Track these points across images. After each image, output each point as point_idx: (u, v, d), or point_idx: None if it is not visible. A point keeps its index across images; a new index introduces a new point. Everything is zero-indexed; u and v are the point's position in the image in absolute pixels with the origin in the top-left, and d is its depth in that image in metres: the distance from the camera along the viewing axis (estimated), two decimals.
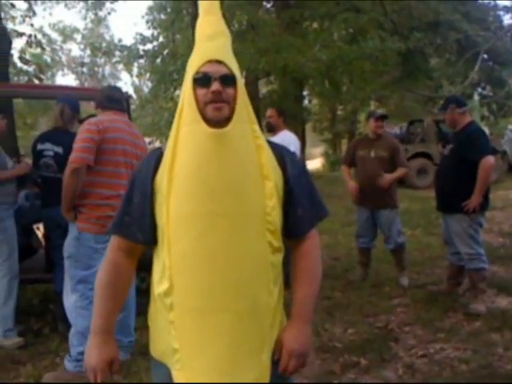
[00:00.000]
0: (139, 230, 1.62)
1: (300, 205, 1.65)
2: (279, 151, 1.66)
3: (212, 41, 1.58)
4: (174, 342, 1.54)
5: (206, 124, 1.49)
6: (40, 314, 4.32)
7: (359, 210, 5.42)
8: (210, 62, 1.53)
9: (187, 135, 1.51)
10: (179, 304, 1.53)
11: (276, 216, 1.58)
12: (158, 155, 1.61)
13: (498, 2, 31.39)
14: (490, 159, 4.25)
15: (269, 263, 1.58)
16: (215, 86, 1.50)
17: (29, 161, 4.09)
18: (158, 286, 1.57)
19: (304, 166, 1.69)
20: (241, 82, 1.58)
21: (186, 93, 1.55)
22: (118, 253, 1.68)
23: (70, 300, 3.36)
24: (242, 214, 1.52)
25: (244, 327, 1.52)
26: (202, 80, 1.52)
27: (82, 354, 3.16)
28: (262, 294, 1.56)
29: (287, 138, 4.89)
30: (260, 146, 1.59)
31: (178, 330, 1.53)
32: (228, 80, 1.53)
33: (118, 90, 3.78)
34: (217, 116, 1.50)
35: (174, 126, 1.55)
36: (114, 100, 3.55)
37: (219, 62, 1.53)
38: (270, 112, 5.33)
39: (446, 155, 4.68)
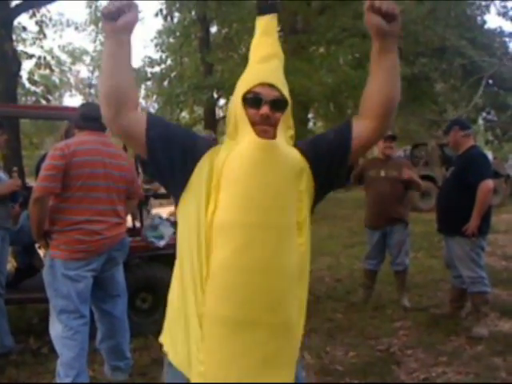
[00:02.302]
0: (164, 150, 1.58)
1: (327, 142, 1.65)
2: (301, 147, 1.64)
3: (265, 63, 1.61)
4: (200, 354, 1.48)
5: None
6: (39, 334, 4.28)
7: (371, 231, 5.41)
8: (261, 84, 1.55)
9: (241, 146, 1.52)
10: (210, 315, 1.48)
11: (306, 229, 1.59)
12: (211, 145, 1.61)
13: (504, 28, 31.48)
14: (488, 183, 4.26)
15: (302, 280, 1.58)
16: (264, 109, 1.52)
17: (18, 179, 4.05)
18: (192, 294, 1.51)
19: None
20: (289, 104, 1.60)
21: (237, 110, 1.56)
22: None
23: (55, 330, 3.20)
24: (283, 227, 1.52)
25: (277, 342, 1.50)
26: (252, 100, 1.54)
27: None
28: (294, 312, 1.55)
29: None
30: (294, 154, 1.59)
31: (206, 342, 1.48)
32: (278, 104, 1.56)
33: (96, 107, 3.48)
34: (262, 137, 1.51)
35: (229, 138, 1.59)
36: (89, 119, 3.32)
37: (271, 85, 1.55)
38: None
39: (447, 178, 4.70)
